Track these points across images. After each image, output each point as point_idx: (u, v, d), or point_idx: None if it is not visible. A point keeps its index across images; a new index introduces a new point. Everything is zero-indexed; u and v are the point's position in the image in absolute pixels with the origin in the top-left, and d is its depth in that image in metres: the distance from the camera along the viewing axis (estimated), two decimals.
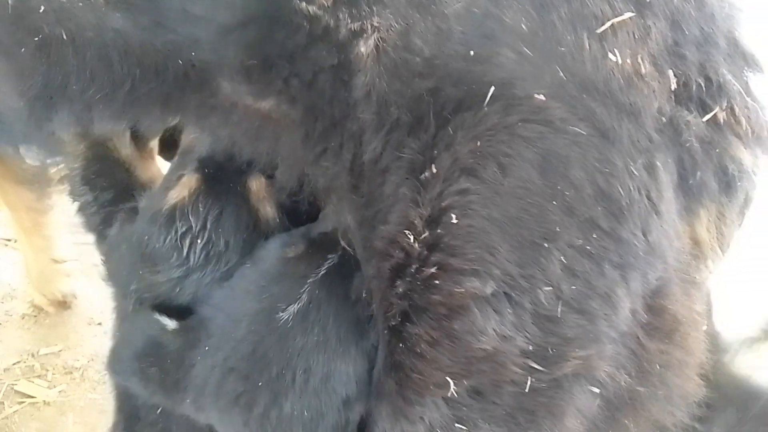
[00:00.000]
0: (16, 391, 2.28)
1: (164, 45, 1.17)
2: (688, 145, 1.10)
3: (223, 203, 1.35)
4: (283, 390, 1.19)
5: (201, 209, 1.34)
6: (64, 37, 1.17)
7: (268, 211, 1.39)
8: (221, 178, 1.39)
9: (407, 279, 1.12)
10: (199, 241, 1.32)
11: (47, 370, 2.35)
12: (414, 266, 1.11)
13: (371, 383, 1.27)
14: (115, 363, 1.34)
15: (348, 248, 1.30)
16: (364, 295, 1.25)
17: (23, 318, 2.41)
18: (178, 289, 1.33)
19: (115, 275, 1.42)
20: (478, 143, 1.06)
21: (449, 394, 1.11)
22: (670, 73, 1.08)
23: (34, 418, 2.22)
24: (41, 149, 1.61)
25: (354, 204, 1.21)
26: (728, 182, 1.15)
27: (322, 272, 1.23)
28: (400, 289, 1.14)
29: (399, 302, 1.14)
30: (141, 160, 1.61)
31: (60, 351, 2.39)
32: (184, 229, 1.33)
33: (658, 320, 1.13)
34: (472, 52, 1.06)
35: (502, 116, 1.05)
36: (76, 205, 1.58)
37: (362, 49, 1.11)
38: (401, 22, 1.10)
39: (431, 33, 1.09)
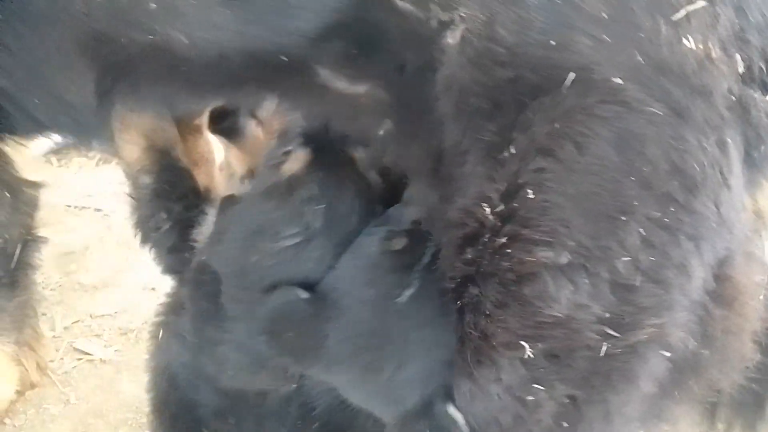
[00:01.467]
0: (75, 349, 2.40)
1: (269, 37, 1.25)
2: (755, 121, 1.15)
3: (337, 172, 1.47)
4: (405, 358, 1.36)
5: (319, 178, 1.45)
6: (183, 39, 1.25)
7: (374, 177, 1.50)
8: (328, 150, 1.49)
9: (478, 247, 1.20)
10: (318, 207, 1.41)
11: (104, 331, 2.46)
12: (486, 236, 1.18)
13: None
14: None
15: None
16: None
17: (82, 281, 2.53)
18: (303, 254, 1.43)
19: (225, 258, 1.51)
20: (556, 125, 1.12)
21: (525, 356, 1.18)
22: (738, 57, 1.13)
23: (91, 375, 2.33)
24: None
25: (435, 185, 1.31)
26: None
27: (425, 260, 1.38)
28: (469, 256, 1.21)
29: (464, 267, 1.22)
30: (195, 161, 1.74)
31: (116, 313, 2.50)
32: (305, 196, 1.43)
33: (723, 288, 1.21)
34: (552, 41, 1.11)
35: (580, 99, 1.10)
36: (148, 226, 1.70)
37: (449, 40, 1.17)
38: (486, 12, 1.14)
39: (513, 22, 1.13)
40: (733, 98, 1.13)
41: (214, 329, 1.57)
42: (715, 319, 1.21)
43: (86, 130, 1.60)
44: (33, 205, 1.73)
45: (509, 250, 1.17)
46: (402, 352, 1.37)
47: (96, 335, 2.46)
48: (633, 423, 1.30)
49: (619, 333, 1.15)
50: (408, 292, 1.37)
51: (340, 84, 1.31)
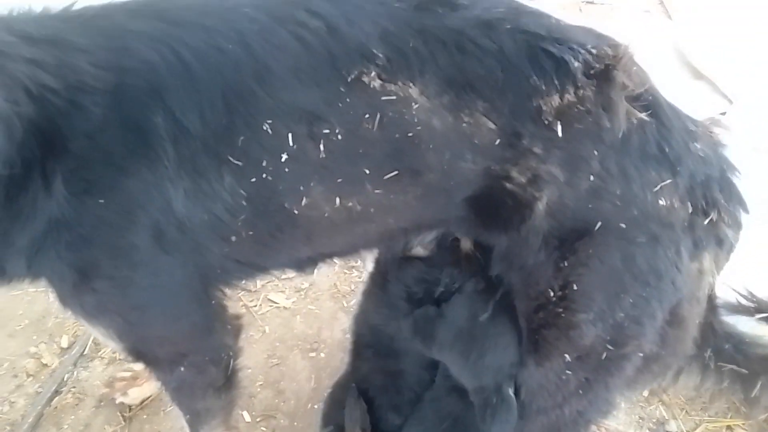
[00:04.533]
0: (267, 299, 3.18)
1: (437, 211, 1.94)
2: (698, 233, 1.73)
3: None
4: (483, 353, 2.16)
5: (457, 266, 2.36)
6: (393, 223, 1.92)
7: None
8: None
9: (545, 311, 1.85)
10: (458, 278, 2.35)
11: (286, 288, 3.23)
12: (550, 306, 1.83)
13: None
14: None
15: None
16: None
17: None
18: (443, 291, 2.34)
19: (400, 283, 2.45)
20: (591, 250, 1.72)
21: (566, 360, 1.87)
22: (688, 203, 1.71)
23: (276, 317, 3.12)
24: None
25: (520, 277, 1.94)
26: (721, 241, 1.79)
27: (497, 298, 2.15)
28: (540, 315, 1.86)
29: (538, 320, 1.87)
30: None
31: (293, 277, 3.19)
32: (452, 272, 2.35)
33: (675, 318, 1.80)
34: (590, 205, 1.71)
35: (603, 236, 1.69)
36: None
37: (539, 205, 1.72)
38: (559, 192, 1.70)
39: (571, 197, 1.69)
40: (686, 224, 1.71)
41: (392, 318, 2.47)
42: (669, 335, 1.83)
43: None
44: (240, 330, 2.05)
45: (563, 315, 1.80)
46: (481, 348, 2.13)
47: (281, 291, 3.22)
48: (620, 389, 1.97)
49: (614, 347, 1.80)
50: (485, 315, 2.14)
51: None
